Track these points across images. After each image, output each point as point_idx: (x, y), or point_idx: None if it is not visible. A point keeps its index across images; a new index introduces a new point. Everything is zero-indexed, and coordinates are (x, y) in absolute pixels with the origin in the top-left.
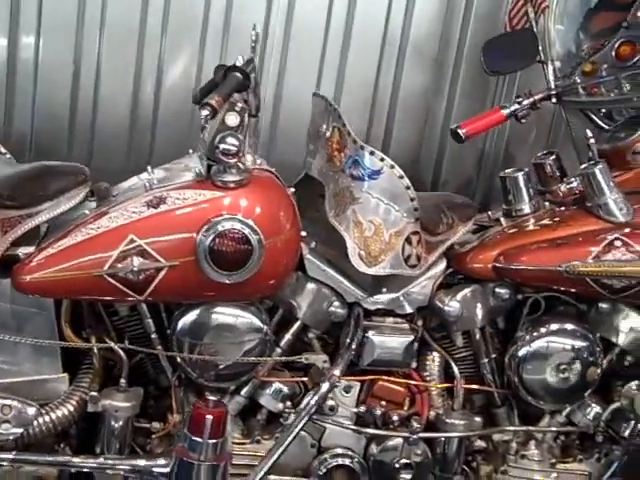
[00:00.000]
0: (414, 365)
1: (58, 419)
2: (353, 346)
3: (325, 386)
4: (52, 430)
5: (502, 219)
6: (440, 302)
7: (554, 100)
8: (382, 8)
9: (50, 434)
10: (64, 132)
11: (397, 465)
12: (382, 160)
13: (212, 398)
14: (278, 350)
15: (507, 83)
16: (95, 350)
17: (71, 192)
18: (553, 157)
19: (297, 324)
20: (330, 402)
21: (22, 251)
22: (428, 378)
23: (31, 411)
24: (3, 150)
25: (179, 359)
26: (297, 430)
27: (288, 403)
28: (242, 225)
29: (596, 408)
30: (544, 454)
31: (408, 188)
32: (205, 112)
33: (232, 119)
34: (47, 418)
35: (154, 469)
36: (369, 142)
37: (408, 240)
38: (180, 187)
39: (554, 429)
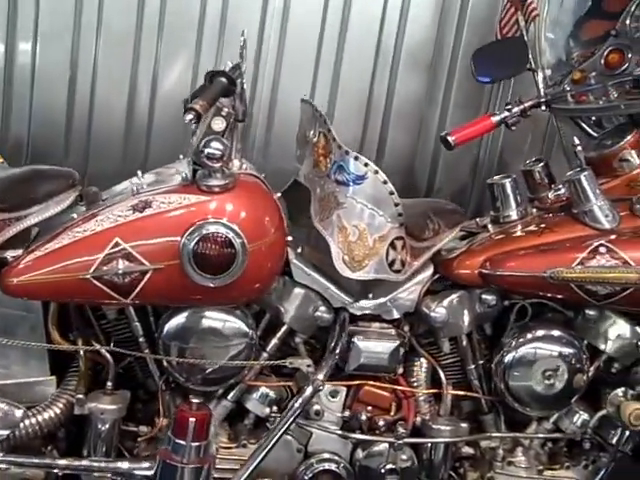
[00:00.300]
0: (401, 371)
1: (45, 421)
2: (337, 351)
3: (308, 390)
4: (39, 432)
5: (489, 225)
6: (426, 308)
7: (543, 108)
8: (376, 15)
9: (37, 436)
10: (60, 137)
11: (383, 470)
12: (366, 165)
13: (196, 401)
14: (265, 354)
15: (501, 91)
16: (81, 353)
17: (60, 196)
18: (542, 164)
19: (283, 328)
20: (316, 407)
21: (10, 254)
22: (415, 384)
23: (18, 413)
24: None
25: (165, 363)
26: (280, 433)
27: (275, 408)
28: (226, 229)
29: (584, 415)
30: (531, 461)
31: (392, 193)
32: (189, 116)
33: (218, 124)
34: (34, 420)
35: (138, 472)
36: (363, 149)
37: (392, 245)
38: (166, 191)
39: (541, 436)
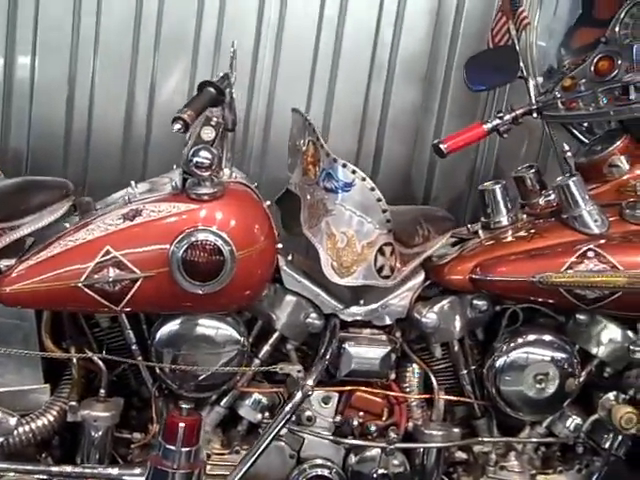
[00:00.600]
0: (393, 376)
1: (38, 429)
2: (327, 356)
3: (298, 395)
4: (32, 440)
5: (480, 231)
6: (418, 314)
7: (535, 115)
8: (371, 27)
9: (30, 444)
10: (59, 150)
11: (375, 476)
12: (354, 172)
13: (185, 406)
14: (257, 361)
15: (496, 100)
16: (74, 360)
17: (54, 206)
18: (533, 170)
19: (275, 335)
20: (308, 413)
21: (3, 264)
22: (407, 389)
23: (12, 421)
24: None
25: (158, 370)
26: (270, 438)
27: (267, 414)
28: (215, 237)
29: (577, 419)
30: (524, 465)
31: (379, 200)
32: (177, 126)
33: (207, 133)
34: (27, 428)
35: (130, 478)
36: (360, 160)
37: (381, 251)
38: (156, 200)
39: (533, 440)
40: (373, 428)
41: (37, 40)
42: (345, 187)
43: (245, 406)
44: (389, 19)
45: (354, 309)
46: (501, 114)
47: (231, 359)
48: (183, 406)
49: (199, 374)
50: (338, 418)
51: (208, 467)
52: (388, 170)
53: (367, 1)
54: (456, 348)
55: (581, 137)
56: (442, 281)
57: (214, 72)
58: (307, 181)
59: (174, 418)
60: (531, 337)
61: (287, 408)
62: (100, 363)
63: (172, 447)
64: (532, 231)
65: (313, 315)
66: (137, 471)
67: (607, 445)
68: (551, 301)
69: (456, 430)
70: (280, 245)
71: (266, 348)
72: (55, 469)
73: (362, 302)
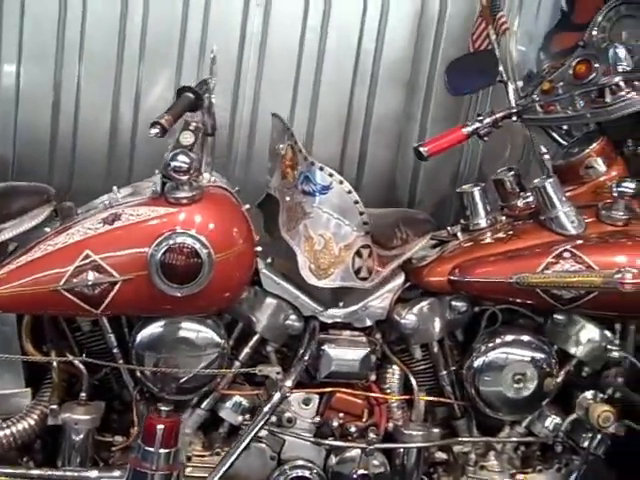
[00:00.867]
0: (374, 378)
1: (19, 432)
2: (305, 358)
3: (276, 396)
4: (13, 444)
5: (459, 234)
6: (397, 315)
7: (515, 118)
8: (354, 33)
9: (12, 447)
10: (45, 156)
11: (355, 476)
12: (331, 175)
13: (164, 409)
14: (237, 363)
15: (479, 104)
16: (54, 364)
17: (35, 211)
18: (512, 173)
19: (255, 337)
20: (288, 414)
21: None
22: (388, 391)
23: None
24: None
25: (139, 373)
26: (249, 439)
27: (248, 416)
28: (192, 240)
29: (556, 419)
30: (504, 465)
31: (357, 202)
32: (154, 130)
33: (187, 138)
34: (8, 432)
35: None
36: (344, 165)
37: (358, 253)
38: (135, 204)
39: (513, 440)
40: (353, 429)
41: (22, 47)
42: (323, 190)
43: (226, 408)
44: (372, 25)
45: (334, 311)
46: (481, 117)
47: (211, 362)
48: (162, 408)
49: (180, 377)
50: (317, 419)
51: (189, 469)
52: (372, 175)
53: (350, 7)
54: (436, 349)
55: (560, 140)
56: (421, 283)
57: (198, 78)
58: (286, 185)
59: (153, 420)
60: (509, 337)
61: (266, 409)
62: (81, 366)
63: (151, 449)
64: (510, 233)
65: (293, 317)
66: (117, 473)
67: (586, 444)
68: (529, 302)
69: (436, 430)
70: (259, 248)
71: (246, 350)
72: (35, 472)
73: (341, 304)
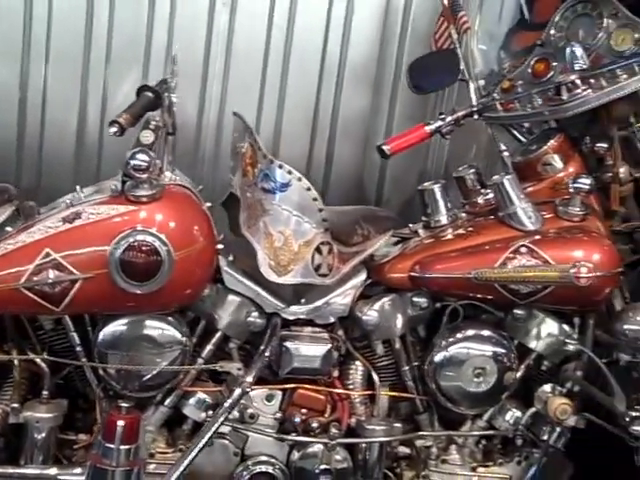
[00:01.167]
0: (336, 373)
1: None
2: (266, 354)
3: (237, 392)
4: None
5: (420, 231)
6: (359, 312)
7: (476, 117)
8: (319, 34)
9: None
10: (12, 155)
11: (317, 471)
12: (290, 173)
13: (125, 405)
14: (200, 360)
15: (445, 102)
16: (16, 362)
17: None
18: (472, 171)
19: (218, 335)
20: (250, 410)
21: None
22: (351, 386)
23: None
24: None
25: (101, 371)
26: (209, 435)
27: (211, 412)
28: (152, 237)
29: (516, 413)
30: (465, 458)
31: (315, 199)
32: (113, 129)
33: (147, 137)
34: None
35: (69, 477)
36: (312, 164)
37: (318, 250)
38: (96, 203)
39: (474, 433)
40: (315, 424)
41: None
42: (282, 187)
43: (189, 405)
44: (337, 24)
45: (295, 308)
46: (443, 116)
47: (174, 359)
48: (122, 405)
49: (142, 374)
50: (280, 415)
51: (152, 466)
52: (340, 174)
53: (315, 8)
54: (398, 345)
55: (520, 137)
56: (383, 279)
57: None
58: (246, 182)
59: (113, 417)
60: (469, 332)
61: (226, 404)
62: (42, 365)
63: (111, 445)
64: (470, 229)
65: (255, 314)
66: (77, 470)
67: (546, 437)
68: (488, 297)
69: (398, 425)
70: (221, 246)
71: (209, 347)
72: None
73: (304, 301)
